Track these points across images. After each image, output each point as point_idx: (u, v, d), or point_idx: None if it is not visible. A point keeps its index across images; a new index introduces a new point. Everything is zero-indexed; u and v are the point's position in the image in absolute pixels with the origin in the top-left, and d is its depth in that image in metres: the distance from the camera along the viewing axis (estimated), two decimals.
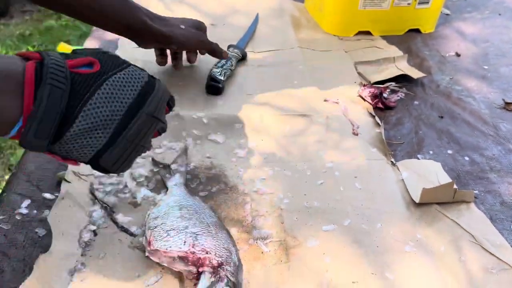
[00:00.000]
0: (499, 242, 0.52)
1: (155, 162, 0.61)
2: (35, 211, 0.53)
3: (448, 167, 0.64)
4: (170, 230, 0.48)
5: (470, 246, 0.52)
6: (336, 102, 0.76)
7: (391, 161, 0.64)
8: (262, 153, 0.64)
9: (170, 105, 0.49)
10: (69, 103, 0.38)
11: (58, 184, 0.56)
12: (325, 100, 0.76)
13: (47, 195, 0.55)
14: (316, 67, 0.85)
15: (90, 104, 0.39)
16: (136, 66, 0.44)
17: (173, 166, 0.60)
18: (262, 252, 0.50)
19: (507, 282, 0.48)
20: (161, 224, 0.49)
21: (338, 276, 0.48)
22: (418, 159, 0.65)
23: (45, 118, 0.37)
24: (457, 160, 0.65)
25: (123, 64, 0.43)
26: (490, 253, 0.51)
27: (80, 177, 0.57)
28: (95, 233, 0.51)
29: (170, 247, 0.46)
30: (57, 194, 0.54)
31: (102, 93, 0.39)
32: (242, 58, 0.86)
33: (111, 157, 0.42)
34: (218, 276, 0.44)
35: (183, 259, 0.46)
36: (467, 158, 0.66)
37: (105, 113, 0.40)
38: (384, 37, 0.97)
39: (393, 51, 0.91)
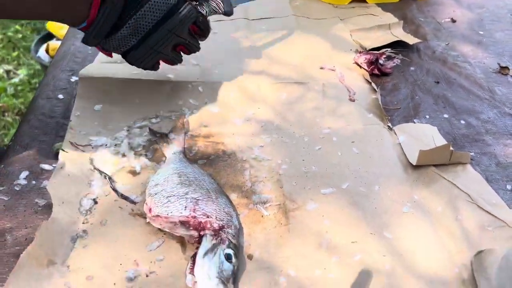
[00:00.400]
0: (494, 201, 0.53)
1: (152, 132, 0.60)
2: (33, 182, 0.53)
3: (444, 131, 0.64)
4: (170, 196, 0.49)
5: (466, 205, 0.53)
6: (332, 69, 0.75)
7: (388, 126, 0.64)
8: (259, 121, 0.64)
9: (199, 26, 0.60)
10: (120, 16, 0.53)
11: (56, 155, 0.56)
12: (321, 68, 0.76)
13: (45, 166, 0.55)
14: (311, 35, 0.84)
15: (134, 18, 0.54)
16: None
17: (170, 135, 0.60)
18: (262, 216, 0.50)
19: (503, 238, 0.49)
20: (161, 191, 0.50)
21: (337, 237, 0.48)
22: (415, 123, 0.65)
23: (103, 26, 0.53)
24: (453, 124, 0.66)
25: None
26: (486, 211, 0.52)
27: (77, 147, 0.57)
28: (95, 201, 0.51)
29: (171, 212, 0.47)
30: (55, 165, 0.54)
31: (141, 12, 0.54)
32: (224, 14, 0.64)
33: (134, 56, 0.58)
34: (219, 238, 0.45)
35: (184, 224, 0.46)
36: (463, 122, 0.66)
37: (140, 26, 0.55)
38: (379, 5, 0.95)
39: (388, 18, 0.90)
